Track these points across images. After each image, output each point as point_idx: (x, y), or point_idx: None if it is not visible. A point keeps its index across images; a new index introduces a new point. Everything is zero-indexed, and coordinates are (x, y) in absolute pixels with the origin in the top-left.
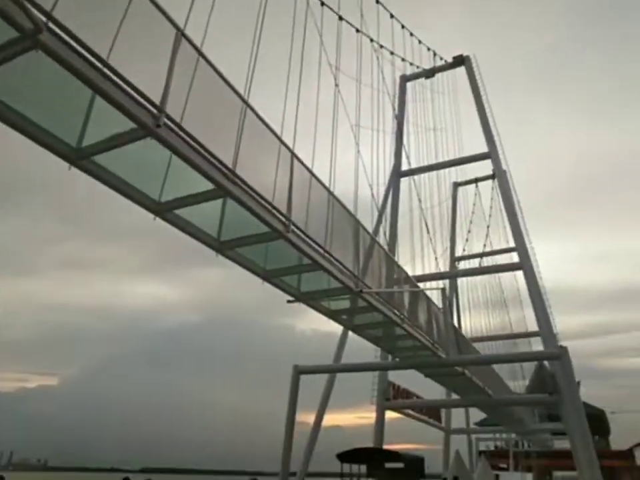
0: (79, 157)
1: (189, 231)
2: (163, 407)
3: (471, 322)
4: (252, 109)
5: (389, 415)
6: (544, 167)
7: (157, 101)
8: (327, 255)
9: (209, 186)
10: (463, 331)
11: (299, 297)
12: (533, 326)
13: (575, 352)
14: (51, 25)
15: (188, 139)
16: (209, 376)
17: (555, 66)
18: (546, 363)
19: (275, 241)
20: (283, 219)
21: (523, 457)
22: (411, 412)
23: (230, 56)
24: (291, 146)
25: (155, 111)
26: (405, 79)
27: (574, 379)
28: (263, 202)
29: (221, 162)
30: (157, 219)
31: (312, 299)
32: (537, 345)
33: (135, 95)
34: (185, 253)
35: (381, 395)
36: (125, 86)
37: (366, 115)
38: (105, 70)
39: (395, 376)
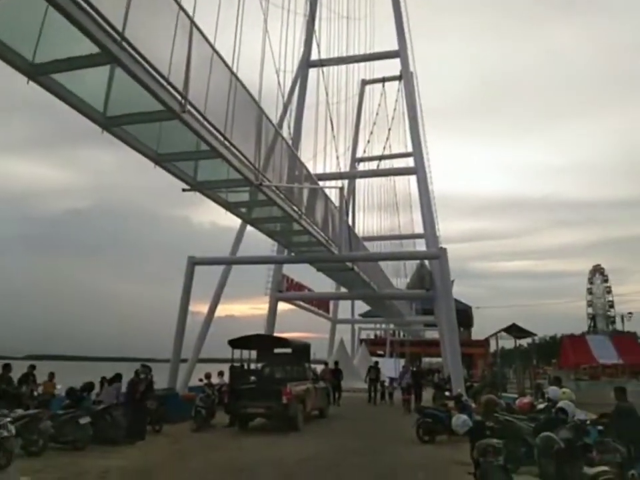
0: None
1: (71, 102)
2: (51, 295)
3: (365, 222)
4: None
5: (282, 306)
6: (448, 74)
7: None
8: (226, 142)
9: (94, 50)
10: (356, 230)
11: (195, 185)
12: (418, 229)
13: (453, 254)
14: None
15: None
16: (100, 265)
17: None
18: (426, 262)
19: (169, 122)
20: (179, 97)
21: (398, 344)
22: (302, 303)
23: None
24: (191, 14)
25: None
26: None
27: (449, 278)
28: (156, 75)
29: (106, 21)
30: (32, 83)
31: (209, 189)
32: (421, 247)
33: None
34: (75, 133)
35: (275, 287)
36: None
37: None
38: None
39: (289, 270)
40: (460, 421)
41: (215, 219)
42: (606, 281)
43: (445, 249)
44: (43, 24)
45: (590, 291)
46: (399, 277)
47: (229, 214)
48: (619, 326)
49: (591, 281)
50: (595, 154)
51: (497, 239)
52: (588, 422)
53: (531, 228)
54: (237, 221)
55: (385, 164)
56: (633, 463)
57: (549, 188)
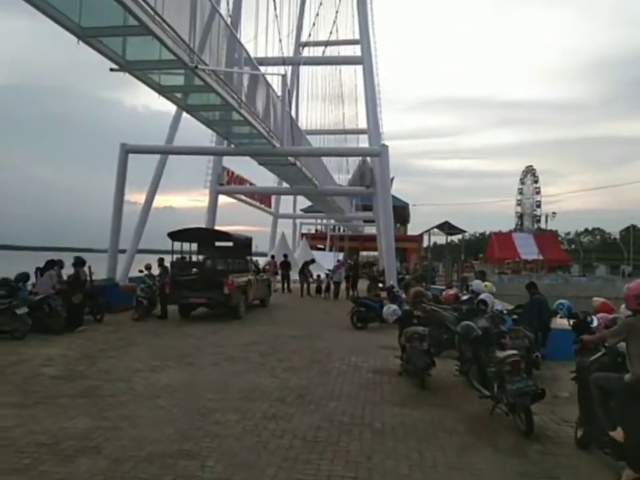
0: None
1: None
2: None
3: (308, 114)
4: None
5: (223, 199)
6: None
7: None
8: (157, 17)
9: None
10: (300, 123)
11: (125, 66)
12: (363, 124)
13: (394, 151)
14: None
15: None
16: (22, 149)
17: None
18: (368, 159)
19: None
20: None
21: (337, 239)
22: (243, 197)
23: None
24: None
25: None
26: None
27: (388, 175)
28: None
29: None
30: None
31: (139, 70)
32: (364, 143)
33: None
34: None
35: (215, 180)
36: None
37: None
38: None
39: (229, 162)
40: (390, 310)
41: (147, 103)
42: (536, 181)
43: (386, 147)
44: None
45: (520, 191)
46: (341, 172)
47: (163, 98)
48: (543, 225)
49: (522, 181)
50: (538, 52)
51: (438, 137)
52: (505, 312)
53: (472, 127)
54: (172, 107)
55: (331, 51)
56: (538, 346)
57: (494, 87)
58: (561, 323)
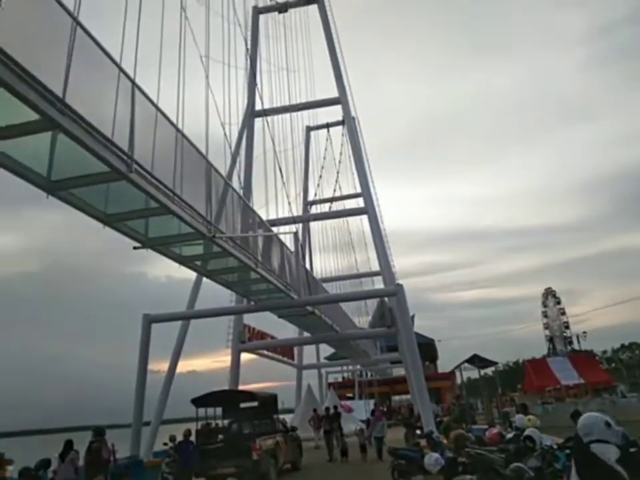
0: None
1: (12, 168)
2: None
3: (322, 263)
4: (83, 28)
5: (245, 356)
6: (390, 119)
7: None
8: (176, 198)
9: (34, 116)
10: (314, 272)
11: (146, 242)
12: (375, 266)
13: (411, 287)
14: None
15: (6, 60)
16: (53, 331)
17: (404, 18)
18: (386, 299)
19: (117, 182)
20: (125, 158)
21: (366, 385)
22: (265, 352)
23: None
24: (132, 76)
25: None
26: (257, 10)
27: (408, 313)
28: (100, 138)
29: (46, 88)
30: None
31: (161, 245)
32: (380, 284)
33: None
34: (16, 195)
35: (237, 338)
36: None
37: (217, 47)
38: None
39: (250, 318)
40: (432, 459)
41: (170, 273)
42: (559, 302)
43: (401, 285)
44: None
45: (545, 314)
46: (361, 315)
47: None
48: (575, 346)
49: (544, 304)
50: (532, 182)
51: (451, 270)
52: (555, 447)
53: (483, 257)
54: (192, 273)
55: (337, 205)
56: None
57: (493, 218)
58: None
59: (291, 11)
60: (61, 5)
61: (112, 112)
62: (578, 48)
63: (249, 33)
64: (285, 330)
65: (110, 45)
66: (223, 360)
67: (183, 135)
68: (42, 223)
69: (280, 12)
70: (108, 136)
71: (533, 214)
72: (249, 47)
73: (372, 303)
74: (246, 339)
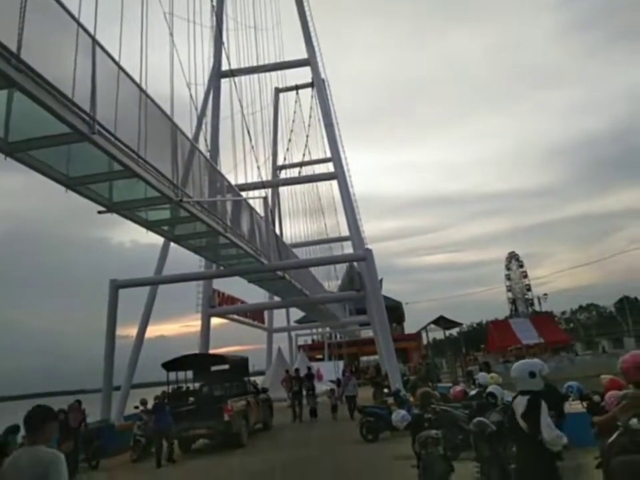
0: None
1: None
2: None
3: (292, 228)
4: None
5: (215, 321)
6: (359, 82)
7: None
8: (140, 160)
9: None
10: (284, 238)
11: (112, 207)
12: (345, 231)
13: (379, 252)
14: None
15: None
16: (12, 298)
17: None
18: (355, 263)
19: (79, 144)
20: (87, 118)
21: (335, 347)
22: (236, 317)
23: None
24: (92, 32)
25: None
26: None
27: (377, 277)
28: (59, 97)
29: (5, 47)
30: None
31: (127, 209)
32: (349, 249)
33: None
34: None
35: (207, 303)
36: None
37: (181, 3)
38: None
39: (219, 284)
40: (399, 416)
41: (135, 237)
42: (521, 266)
43: (370, 250)
44: None
45: (508, 277)
46: (330, 279)
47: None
48: (537, 307)
49: (508, 267)
50: (500, 148)
51: (419, 235)
52: None
53: (449, 222)
54: (160, 238)
55: (307, 170)
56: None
57: (461, 183)
58: (574, 406)
59: None
60: None
61: (72, 70)
62: (545, 16)
63: None
64: (255, 294)
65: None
66: (193, 325)
67: (147, 95)
68: (5, 187)
69: None
70: (68, 95)
71: (501, 179)
72: (214, 3)
73: (341, 268)
74: (216, 304)
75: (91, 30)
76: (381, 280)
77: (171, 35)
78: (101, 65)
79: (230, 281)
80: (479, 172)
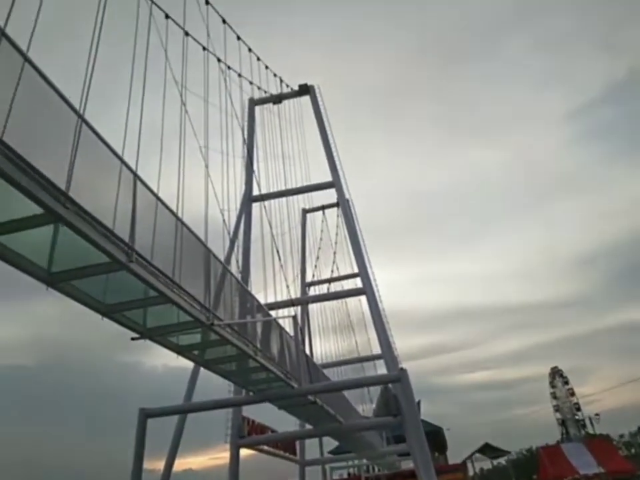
0: None
1: (12, 261)
2: None
3: (322, 347)
4: (87, 124)
5: (244, 452)
6: (383, 198)
7: None
8: (175, 286)
9: (37, 210)
10: (314, 358)
11: (145, 333)
12: (377, 348)
13: (413, 372)
14: None
15: (12, 155)
16: (44, 425)
17: (393, 107)
18: (389, 385)
19: (117, 273)
20: (125, 248)
21: None
22: (265, 447)
23: (66, 70)
24: (133, 167)
25: None
26: (253, 102)
27: (414, 400)
28: (101, 228)
29: (51, 183)
30: None
31: (159, 335)
32: (382, 367)
33: None
34: (11, 284)
35: (235, 433)
36: None
37: (215, 137)
38: None
39: (249, 410)
40: None
41: (166, 362)
42: (567, 383)
43: (405, 371)
44: None
45: (554, 395)
46: (364, 402)
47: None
48: (590, 429)
49: (552, 385)
50: (528, 257)
51: (453, 351)
52: None
53: (483, 336)
54: (189, 362)
55: (335, 286)
56: None
57: (491, 296)
58: None
59: (285, 101)
60: (66, 101)
61: (113, 202)
62: (562, 126)
63: (246, 123)
64: (286, 423)
65: (112, 136)
66: (222, 457)
67: (183, 223)
68: (39, 313)
69: (274, 103)
70: (109, 227)
71: (532, 290)
72: (245, 136)
73: (375, 389)
74: (245, 433)
75: (133, 163)
76: (419, 402)
77: (206, 166)
78: (141, 196)
79: (260, 407)
80: (509, 283)
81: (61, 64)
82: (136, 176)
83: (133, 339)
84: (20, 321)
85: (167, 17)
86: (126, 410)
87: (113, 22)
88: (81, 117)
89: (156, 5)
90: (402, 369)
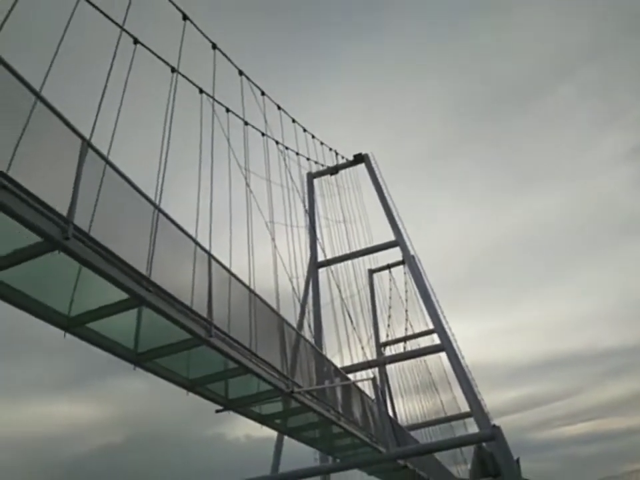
0: None
1: (102, 345)
2: None
3: (405, 408)
4: (164, 214)
5: None
6: (449, 252)
7: (64, 212)
8: (253, 356)
9: (123, 295)
10: (399, 419)
11: (228, 404)
12: (465, 406)
13: (508, 428)
14: None
15: (99, 248)
16: None
17: (447, 160)
18: (484, 443)
19: (197, 347)
20: (204, 323)
21: None
22: None
23: (139, 164)
24: (207, 247)
25: (62, 222)
26: (311, 176)
27: (512, 458)
28: (181, 307)
29: (134, 270)
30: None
31: (241, 406)
32: (472, 425)
33: (40, 207)
34: (100, 365)
35: None
36: (27, 198)
37: (279, 211)
38: (5, 182)
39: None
40: None
41: (249, 432)
42: None
43: (498, 428)
44: (77, 281)
45: None
46: (458, 463)
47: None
48: None
49: None
50: (610, 299)
51: (548, 403)
52: None
53: (577, 385)
54: (272, 432)
55: (411, 344)
56: None
57: (574, 342)
58: None
59: (342, 172)
60: (145, 196)
61: (190, 282)
62: (625, 164)
63: (306, 196)
64: None
65: (183, 218)
66: None
67: (256, 295)
68: (124, 392)
69: (331, 174)
70: (188, 304)
71: (621, 332)
72: (307, 207)
73: (468, 449)
74: None
75: (206, 243)
76: (517, 460)
77: (273, 239)
78: (215, 273)
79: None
80: (596, 326)
81: (136, 155)
82: (210, 255)
83: (217, 411)
84: (109, 400)
85: (228, 110)
86: None
87: (180, 115)
88: (157, 208)
89: (218, 102)
90: (495, 426)
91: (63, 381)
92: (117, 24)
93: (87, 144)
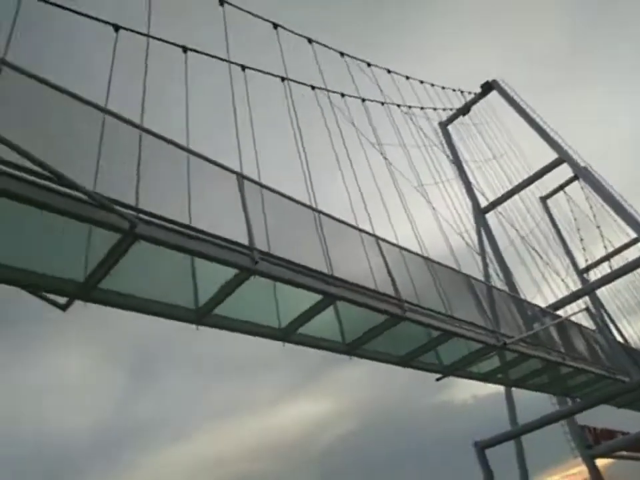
0: (203, 314)
1: (317, 344)
2: None
3: (635, 330)
4: (325, 214)
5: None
6: (623, 151)
7: (246, 242)
8: (451, 319)
9: (317, 297)
10: (632, 344)
11: (445, 371)
12: None
13: None
14: None
15: (282, 262)
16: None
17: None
18: None
19: (398, 325)
20: (395, 301)
21: None
22: (625, 453)
23: (276, 171)
24: (369, 230)
25: (247, 252)
26: (443, 125)
27: None
28: (370, 292)
29: (319, 272)
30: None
31: (458, 369)
32: None
33: (227, 244)
34: (315, 364)
35: (582, 445)
36: (216, 241)
37: (425, 173)
38: (192, 232)
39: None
40: None
41: (475, 392)
42: None
43: None
44: (276, 296)
45: None
46: None
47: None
48: None
49: None
50: None
51: None
52: None
53: None
54: (498, 388)
55: (616, 260)
56: None
57: None
58: None
59: (474, 108)
60: (306, 206)
61: (367, 268)
62: None
63: (446, 146)
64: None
65: (334, 209)
66: (573, 474)
67: (432, 261)
68: (347, 381)
69: (464, 115)
70: (375, 289)
71: None
72: (450, 157)
73: None
74: (591, 442)
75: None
76: None
77: (429, 202)
78: (387, 253)
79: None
80: None
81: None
82: (377, 238)
83: (437, 379)
84: (335, 392)
85: (343, 95)
86: (457, 448)
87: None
88: (316, 210)
89: (331, 91)
90: None
91: (290, 387)
92: (222, 59)
93: (240, 177)
